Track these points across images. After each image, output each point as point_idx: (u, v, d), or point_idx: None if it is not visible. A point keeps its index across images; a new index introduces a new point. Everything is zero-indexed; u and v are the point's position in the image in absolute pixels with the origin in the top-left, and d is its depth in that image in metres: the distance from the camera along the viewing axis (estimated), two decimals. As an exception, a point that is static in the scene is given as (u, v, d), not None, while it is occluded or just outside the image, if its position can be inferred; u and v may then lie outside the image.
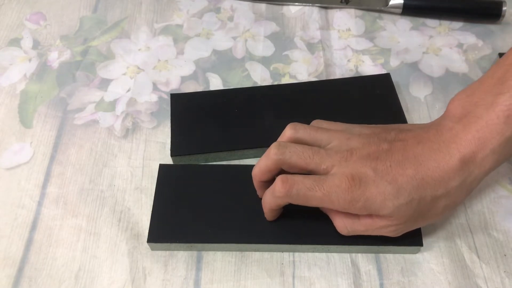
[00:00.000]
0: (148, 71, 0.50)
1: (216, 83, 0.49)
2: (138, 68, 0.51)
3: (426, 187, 0.32)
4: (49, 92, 0.48)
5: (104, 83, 0.49)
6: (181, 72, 0.50)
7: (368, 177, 0.32)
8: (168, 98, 0.47)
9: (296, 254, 0.38)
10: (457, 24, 0.54)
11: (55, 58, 0.51)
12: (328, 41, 0.53)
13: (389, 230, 0.34)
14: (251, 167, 0.41)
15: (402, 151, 0.33)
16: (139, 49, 0.52)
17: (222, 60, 0.51)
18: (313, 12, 0.55)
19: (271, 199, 0.35)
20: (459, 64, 0.51)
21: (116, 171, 0.43)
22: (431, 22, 0.55)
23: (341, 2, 0.55)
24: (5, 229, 0.39)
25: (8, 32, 0.54)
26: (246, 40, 0.53)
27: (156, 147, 0.44)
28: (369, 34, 0.54)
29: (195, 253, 0.38)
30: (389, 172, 0.32)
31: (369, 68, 0.50)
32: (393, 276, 0.37)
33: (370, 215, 0.34)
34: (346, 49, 0.52)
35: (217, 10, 0.56)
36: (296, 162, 0.34)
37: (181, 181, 0.40)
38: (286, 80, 0.49)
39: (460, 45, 0.52)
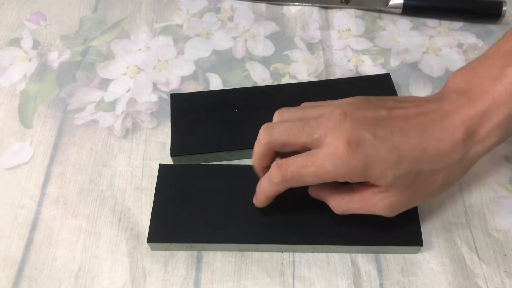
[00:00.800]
0: (148, 71, 0.50)
1: (216, 83, 0.49)
2: (138, 68, 0.51)
3: (427, 159, 0.30)
4: (49, 92, 0.48)
5: (104, 83, 0.49)
6: (181, 72, 0.50)
7: (366, 141, 0.30)
8: (168, 98, 0.47)
9: (296, 254, 0.38)
10: (457, 24, 0.54)
11: (55, 58, 0.51)
12: (328, 41, 0.53)
13: (385, 207, 0.32)
14: (251, 167, 0.41)
15: (403, 119, 0.31)
16: (139, 49, 0.52)
17: (222, 60, 0.51)
18: (313, 12, 0.55)
19: (269, 187, 0.33)
20: (459, 64, 0.51)
21: (116, 171, 0.43)
22: (431, 22, 0.55)
23: (341, 2, 0.55)
24: (5, 229, 0.39)
25: (8, 32, 0.54)
26: (246, 40, 0.53)
27: (156, 147, 0.44)
28: (369, 34, 0.54)
29: (195, 253, 0.38)
30: (390, 139, 0.30)
31: (369, 68, 0.50)
32: (393, 276, 0.37)
33: (364, 189, 0.32)
34: (346, 49, 0.52)
35: (217, 10, 0.56)
36: (287, 140, 0.31)
37: (181, 181, 0.40)
38: (286, 80, 0.49)
39: (460, 45, 0.52)
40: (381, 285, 0.37)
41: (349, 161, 0.30)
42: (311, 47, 0.52)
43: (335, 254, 0.38)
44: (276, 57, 0.52)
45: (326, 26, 0.54)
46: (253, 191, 0.38)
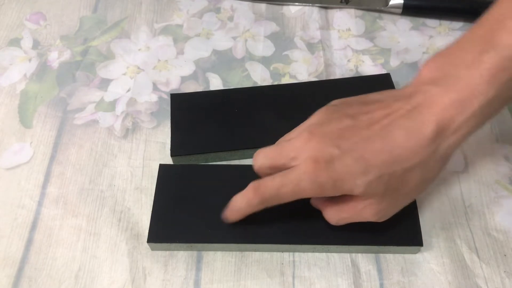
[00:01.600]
0: (148, 71, 0.50)
1: (216, 83, 0.49)
2: (138, 68, 0.51)
3: (396, 160, 0.30)
4: (49, 92, 0.48)
5: (104, 83, 0.49)
6: (181, 72, 0.50)
7: (333, 157, 0.30)
8: (168, 98, 0.47)
9: (296, 254, 0.38)
10: (457, 24, 0.54)
11: (55, 58, 0.51)
12: (328, 41, 0.53)
13: (370, 213, 0.32)
14: (251, 167, 0.41)
15: (368, 125, 0.31)
16: (139, 49, 0.52)
17: (222, 60, 0.51)
18: (313, 12, 0.55)
19: (247, 207, 0.34)
20: (459, 64, 0.51)
21: (116, 171, 0.43)
22: (431, 22, 0.55)
23: (341, 2, 0.55)
24: (5, 229, 0.39)
25: (8, 32, 0.54)
26: (246, 40, 0.53)
27: (156, 147, 0.44)
28: (369, 34, 0.54)
29: (195, 253, 0.38)
30: (355, 149, 0.30)
31: (369, 68, 0.50)
32: (393, 276, 0.37)
33: (350, 199, 0.32)
34: (346, 49, 0.52)
35: (217, 10, 0.56)
36: (268, 164, 0.33)
37: (181, 181, 0.40)
38: (286, 80, 0.49)
39: (460, 45, 0.52)
40: (381, 285, 0.37)
41: (318, 179, 0.30)
42: (311, 47, 0.52)
43: (335, 254, 0.38)
44: (276, 57, 0.52)
45: (326, 26, 0.54)
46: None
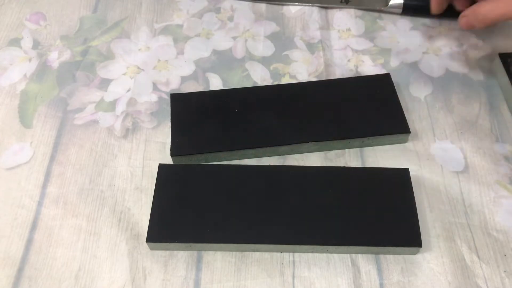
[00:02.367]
0: (148, 71, 0.50)
1: (216, 83, 0.49)
2: (138, 68, 0.51)
3: None
4: (49, 92, 0.49)
5: (104, 83, 0.49)
6: (181, 72, 0.50)
7: None
8: (168, 98, 0.47)
9: (296, 254, 0.38)
10: (457, 24, 0.54)
11: (55, 58, 0.51)
12: (328, 41, 0.53)
13: None
14: (251, 167, 0.41)
15: None
16: (139, 49, 0.52)
17: (222, 60, 0.51)
18: (313, 12, 0.55)
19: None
20: (459, 64, 0.51)
21: (116, 171, 0.43)
22: (431, 22, 0.55)
23: (341, 2, 0.55)
24: (5, 229, 0.39)
25: (8, 32, 0.54)
26: (246, 40, 0.53)
27: (156, 147, 0.44)
28: (369, 34, 0.54)
29: (195, 253, 0.38)
30: None
31: (369, 68, 0.50)
32: (393, 276, 0.37)
33: None
34: (346, 49, 0.52)
35: (217, 10, 0.56)
36: None
37: (181, 181, 0.40)
38: (286, 80, 0.49)
39: (460, 45, 0.52)
40: (381, 285, 0.37)
41: None
42: (311, 47, 0.52)
43: (335, 254, 0.38)
44: (276, 57, 0.52)
45: (326, 26, 0.54)
46: (252, 191, 0.39)
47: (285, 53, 0.52)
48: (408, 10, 0.54)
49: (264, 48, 0.52)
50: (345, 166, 0.43)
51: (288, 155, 0.44)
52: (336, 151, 0.44)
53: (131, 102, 0.48)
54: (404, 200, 0.38)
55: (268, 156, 0.44)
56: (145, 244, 0.38)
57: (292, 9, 0.56)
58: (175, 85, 0.49)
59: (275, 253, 0.38)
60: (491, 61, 0.51)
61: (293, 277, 0.37)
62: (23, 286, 0.37)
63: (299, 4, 0.56)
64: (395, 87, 0.46)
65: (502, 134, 0.45)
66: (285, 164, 0.43)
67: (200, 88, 0.49)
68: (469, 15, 0.44)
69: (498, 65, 0.48)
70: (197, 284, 0.37)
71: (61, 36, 0.54)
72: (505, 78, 0.47)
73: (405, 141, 0.44)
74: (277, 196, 0.38)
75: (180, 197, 0.39)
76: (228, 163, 0.43)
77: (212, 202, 0.38)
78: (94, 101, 0.48)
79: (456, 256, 0.38)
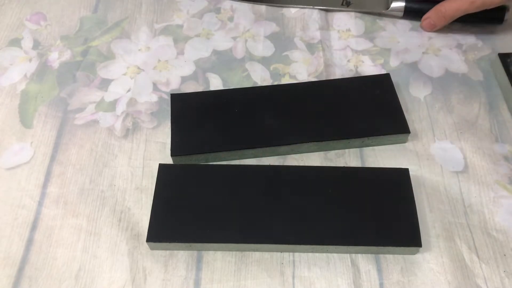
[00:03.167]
0: (148, 71, 0.50)
1: (216, 83, 0.49)
2: (138, 68, 0.51)
3: None
4: (50, 92, 0.49)
5: (104, 83, 0.49)
6: (181, 72, 0.50)
7: None
8: (168, 98, 0.47)
9: (296, 254, 0.38)
10: (457, 25, 0.54)
11: (56, 58, 0.51)
12: (328, 41, 0.53)
13: None
14: (251, 167, 0.41)
15: None
16: (139, 49, 0.52)
17: (222, 60, 0.51)
18: (313, 13, 0.55)
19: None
20: (458, 64, 0.51)
21: (116, 171, 0.43)
22: (431, 23, 0.55)
23: (342, 5, 0.55)
24: (5, 229, 0.40)
25: (9, 32, 0.54)
26: (246, 40, 0.53)
27: (156, 147, 0.44)
28: (369, 34, 0.54)
29: (195, 253, 0.38)
30: None
31: (369, 68, 0.50)
32: (393, 276, 0.37)
33: None
34: (346, 49, 0.52)
35: (217, 11, 0.56)
36: None
37: (181, 181, 0.40)
38: (286, 80, 0.49)
39: (459, 46, 0.52)
40: (381, 285, 0.37)
41: None
42: (311, 47, 0.52)
43: (335, 254, 0.38)
44: (276, 57, 0.52)
45: (326, 27, 0.54)
46: (252, 191, 0.39)
47: (285, 53, 0.52)
48: (409, 13, 0.54)
49: (264, 48, 0.52)
50: (345, 166, 0.43)
51: (288, 155, 0.44)
52: (336, 151, 0.44)
53: (131, 102, 0.48)
54: (404, 200, 0.38)
55: (268, 156, 0.44)
56: (145, 244, 0.38)
57: (292, 10, 0.56)
58: (175, 85, 0.49)
59: (275, 253, 0.38)
60: (491, 61, 0.51)
61: (293, 277, 0.37)
62: (23, 286, 0.37)
63: (299, 6, 0.56)
64: (395, 87, 0.46)
65: (501, 134, 0.45)
66: (285, 164, 0.43)
67: (200, 88, 0.49)
68: (431, 16, 0.52)
69: (498, 65, 0.48)
70: (197, 284, 0.37)
71: (61, 36, 0.54)
72: (504, 78, 0.47)
73: (405, 141, 0.44)
74: (277, 196, 0.39)
75: (180, 197, 0.39)
76: (228, 163, 0.43)
77: (212, 202, 0.38)
78: (94, 101, 0.48)
79: (455, 256, 0.38)
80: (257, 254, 0.38)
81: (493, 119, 0.46)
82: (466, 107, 0.47)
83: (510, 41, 0.53)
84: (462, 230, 0.39)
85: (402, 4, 0.54)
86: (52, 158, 0.44)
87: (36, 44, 0.53)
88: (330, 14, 0.56)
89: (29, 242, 0.39)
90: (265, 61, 0.51)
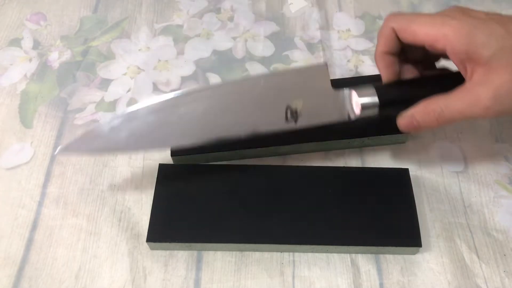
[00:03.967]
0: (149, 71, 0.50)
1: (216, 83, 0.49)
2: (139, 68, 0.51)
3: None
4: (50, 92, 0.49)
5: (105, 83, 0.49)
6: (181, 72, 0.50)
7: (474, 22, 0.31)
8: (168, 98, 0.47)
9: (296, 254, 0.38)
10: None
11: (56, 58, 0.51)
12: (328, 41, 0.53)
13: (488, 95, 0.29)
14: (251, 167, 0.41)
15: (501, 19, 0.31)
16: (139, 49, 0.52)
17: (222, 60, 0.51)
18: (313, 12, 0.55)
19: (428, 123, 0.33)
20: (459, 64, 0.51)
21: (116, 171, 0.43)
22: (431, 22, 0.55)
23: (287, 120, 0.37)
24: (6, 229, 0.40)
25: (9, 32, 0.54)
26: (246, 40, 0.53)
27: (156, 147, 0.44)
28: (369, 34, 0.54)
29: (195, 253, 0.38)
30: (499, 20, 0.30)
31: (369, 68, 0.50)
32: (393, 276, 0.37)
33: (464, 86, 0.31)
34: (346, 49, 0.52)
35: (217, 11, 0.56)
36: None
37: (181, 181, 0.40)
38: (286, 80, 0.49)
39: (460, 45, 0.52)
40: (381, 285, 0.37)
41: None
42: (311, 47, 0.52)
43: (335, 254, 0.38)
44: (276, 57, 0.52)
45: (326, 26, 0.54)
46: (253, 191, 0.39)
47: (285, 53, 0.52)
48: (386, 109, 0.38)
49: (264, 48, 0.52)
50: (345, 166, 0.43)
51: (288, 155, 0.44)
52: (336, 151, 0.44)
53: (132, 102, 0.48)
54: (404, 200, 0.38)
55: (268, 156, 0.44)
56: (145, 244, 0.38)
57: (292, 9, 0.56)
58: (175, 85, 0.49)
59: (275, 253, 0.38)
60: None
61: (293, 277, 0.37)
62: (23, 286, 0.37)
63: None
64: (395, 87, 0.46)
65: (501, 134, 0.45)
66: (285, 164, 0.43)
67: (200, 88, 0.49)
68: (417, 114, 0.34)
69: (498, 65, 0.48)
70: (197, 284, 0.37)
71: (61, 36, 0.54)
72: (504, 78, 0.47)
73: (405, 141, 0.44)
74: (277, 196, 0.39)
75: (180, 197, 0.39)
76: (228, 163, 0.43)
77: (212, 202, 0.39)
78: (94, 101, 0.48)
79: (455, 256, 0.38)
80: (257, 254, 0.38)
81: (493, 119, 0.46)
82: (466, 107, 0.47)
83: (510, 41, 0.53)
84: (462, 230, 0.39)
85: (374, 99, 0.36)
86: (52, 158, 0.44)
87: (36, 44, 0.53)
88: (330, 14, 0.56)
89: (29, 242, 0.39)
90: (265, 61, 0.51)
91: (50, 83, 0.49)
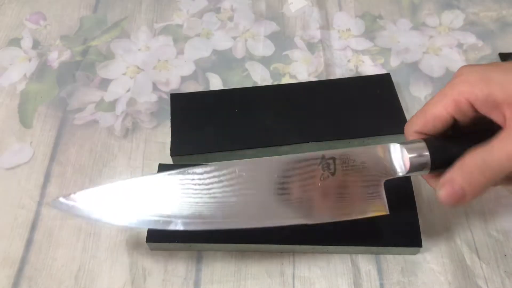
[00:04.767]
0: (148, 71, 0.50)
1: (216, 83, 0.49)
2: (138, 68, 0.51)
3: None
4: (49, 92, 0.48)
5: (104, 83, 0.49)
6: (181, 72, 0.50)
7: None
8: (168, 98, 0.47)
9: (296, 254, 0.38)
10: (457, 24, 0.54)
11: (55, 58, 0.51)
12: (328, 41, 0.53)
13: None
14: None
15: None
16: (139, 49, 0.52)
17: (222, 60, 0.51)
18: (313, 12, 0.55)
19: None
20: (459, 64, 0.51)
21: (116, 171, 0.43)
22: (431, 22, 0.55)
23: None
24: (5, 229, 0.39)
25: (8, 32, 0.54)
26: (246, 40, 0.53)
27: (156, 147, 0.44)
28: (369, 34, 0.54)
29: (195, 253, 0.38)
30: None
31: (369, 68, 0.50)
32: (393, 276, 0.37)
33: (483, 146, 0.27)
34: (346, 49, 0.52)
35: (217, 10, 0.56)
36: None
37: (181, 181, 0.40)
38: (286, 80, 0.49)
39: (460, 45, 0.52)
40: (381, 285, 0.37)
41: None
42: (311, 47, 0.52)
43: (335, 254, 0.38)
44: (276, 57, 0.52)
45: (326, 26, 0.54)
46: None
47: (285, 53, 0.52)
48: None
49: (264, 48, 0.52)
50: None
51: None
52: (336, 151, 0.44)
53: (131, 102, 0.48)
54: (404, 200, 0.38)
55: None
56: (145, 244, 0.38)
57: (292, 9, 0.56)
58: (175, 85, 0.49)
59: (275, 253, 0.38)
60: (491, 61, 0.50)
61: (293, 277, 0.37)
62: (23, 286, 0.37)
63: None
64: (395, 87, 0.46)
65: (502, 134, 0.45)
66: (285, 164, 0.43)
67: (200, 88, 0.49)
68: (456, 178, 0.28)
69: (498, 65, 0.48)
70: (197, 284, 0.37)
71: (61, 36, 0.54)
72: (505, 78, 0.47)
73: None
74: None
75: (180, 197, 0.39)
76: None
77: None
78: (94, 101, 0.48)
79: (456, 256, 0.38)
80: (257, 254, 0.38)
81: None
82: (467, 107, 0.47)
83: (510, 40, 0.52)
84: (463, 230, 0.39)
85: (426, 155, 0.31)
86: (52, 158, 0.44)
87: (36, 44, 0.53)
88: (330, 14, 0.55)
89: (29, 242, 0.39)
90: (265, 60, 0.51)
91: (50, 83, 0.49)
